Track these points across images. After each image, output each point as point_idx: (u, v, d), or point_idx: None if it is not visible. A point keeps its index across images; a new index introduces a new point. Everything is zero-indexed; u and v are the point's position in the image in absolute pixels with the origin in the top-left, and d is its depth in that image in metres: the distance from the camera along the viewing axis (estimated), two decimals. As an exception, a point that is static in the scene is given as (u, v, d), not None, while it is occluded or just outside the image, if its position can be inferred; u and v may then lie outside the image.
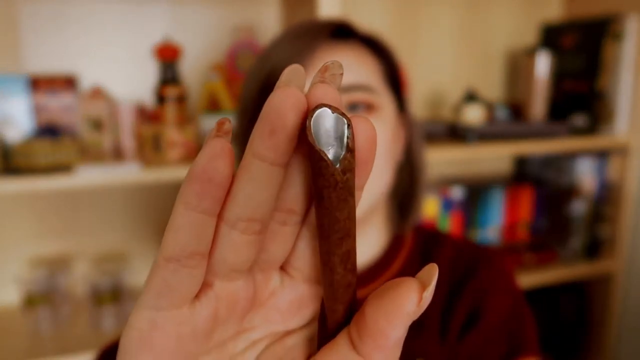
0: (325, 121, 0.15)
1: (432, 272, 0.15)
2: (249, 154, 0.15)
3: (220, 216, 0.16)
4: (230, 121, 0.16)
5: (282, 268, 0.19)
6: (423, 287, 0.15)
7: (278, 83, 0.16)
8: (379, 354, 0.16)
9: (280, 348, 0.19)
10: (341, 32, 0.50)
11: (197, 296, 0.17)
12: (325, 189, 0.15)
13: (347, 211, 0.16)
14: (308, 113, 0.15)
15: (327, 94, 0.15)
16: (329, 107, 0.15)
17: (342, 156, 0.15)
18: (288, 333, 0.20)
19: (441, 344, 0.49)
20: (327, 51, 0.48)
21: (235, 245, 0.16)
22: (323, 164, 0.15)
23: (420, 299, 0.15)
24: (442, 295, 0.52)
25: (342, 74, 0.16)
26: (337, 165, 0.15)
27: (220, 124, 0.16)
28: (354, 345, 0.16)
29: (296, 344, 0.19)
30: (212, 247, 0.17)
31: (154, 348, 0.17)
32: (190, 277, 0.16)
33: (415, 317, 0.15)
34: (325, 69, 0.16)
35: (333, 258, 0.17)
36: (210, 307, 0.17)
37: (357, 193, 0.17)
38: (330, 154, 0.15)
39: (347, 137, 0.15)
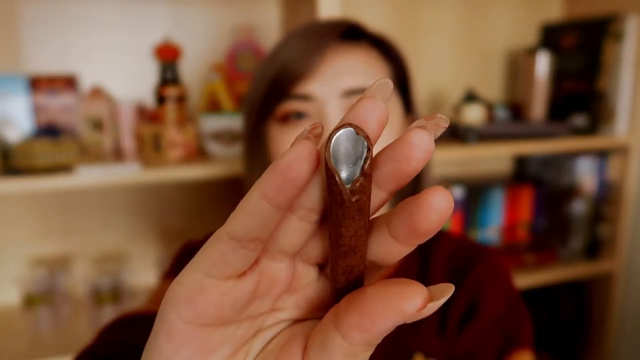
0: (348, 141, 0.15)
1: (445, 291, 0.16)
2: None
3: None
4: (323, 127, 0.17)
5: (322, 269, 0.20)
6: (431, 299, 0.16)
7: (365, 93, 0.16)
8: (358, 334, 0.16)
9: (299, 327, 0.20)
10: (351, 33, 0.50)
11: (244, 272, 0.18)
12: (333, 204, 0.15)
13: (354, 230, 0.16)
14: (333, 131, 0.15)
15: (421, 143, 0.15)
16: (355, 127, 0.15)
17: (355, 178, 0.15)
18: (310, 319, 0.21)
19: (440, 339, 0.50)
20: (336, 52, 0.48)
21: (290, 228, 0.17)
22: (332, 182, 0.15)
23: (423, 307, 0.15)
24: None
25: (445, 127, 0.17)
26: (348, 186, 0.15)
27: (313, 127, 0.17)
28: (335, 319, 0.17)
29: (311, 326, 0.20)
30: None
31: (196, 308, 0.18)
32: (244, 258, 0.17)
33: (408, 320, 0.16)
34: (432, 117, 0.17)
35: (336, 267, 0.17)
36: (253, 282, 0.18)
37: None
38: (344, 173, 0.15)
39: (365, 161, 0.15)
